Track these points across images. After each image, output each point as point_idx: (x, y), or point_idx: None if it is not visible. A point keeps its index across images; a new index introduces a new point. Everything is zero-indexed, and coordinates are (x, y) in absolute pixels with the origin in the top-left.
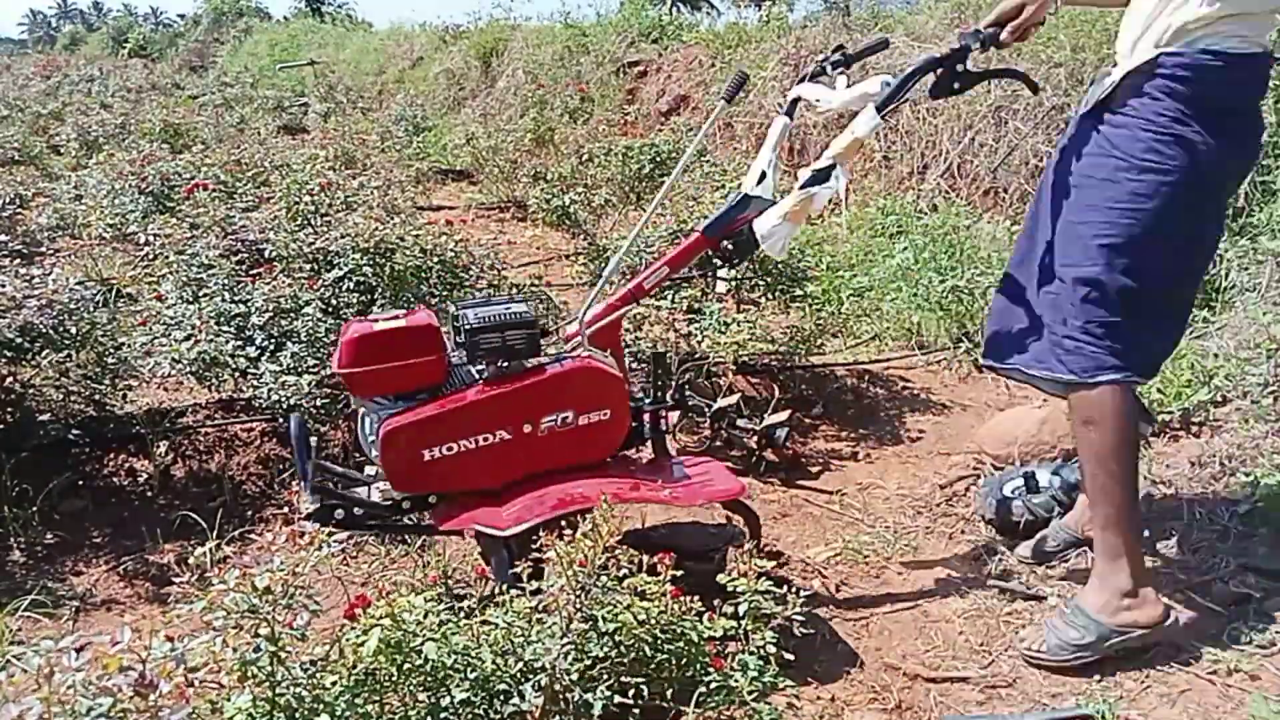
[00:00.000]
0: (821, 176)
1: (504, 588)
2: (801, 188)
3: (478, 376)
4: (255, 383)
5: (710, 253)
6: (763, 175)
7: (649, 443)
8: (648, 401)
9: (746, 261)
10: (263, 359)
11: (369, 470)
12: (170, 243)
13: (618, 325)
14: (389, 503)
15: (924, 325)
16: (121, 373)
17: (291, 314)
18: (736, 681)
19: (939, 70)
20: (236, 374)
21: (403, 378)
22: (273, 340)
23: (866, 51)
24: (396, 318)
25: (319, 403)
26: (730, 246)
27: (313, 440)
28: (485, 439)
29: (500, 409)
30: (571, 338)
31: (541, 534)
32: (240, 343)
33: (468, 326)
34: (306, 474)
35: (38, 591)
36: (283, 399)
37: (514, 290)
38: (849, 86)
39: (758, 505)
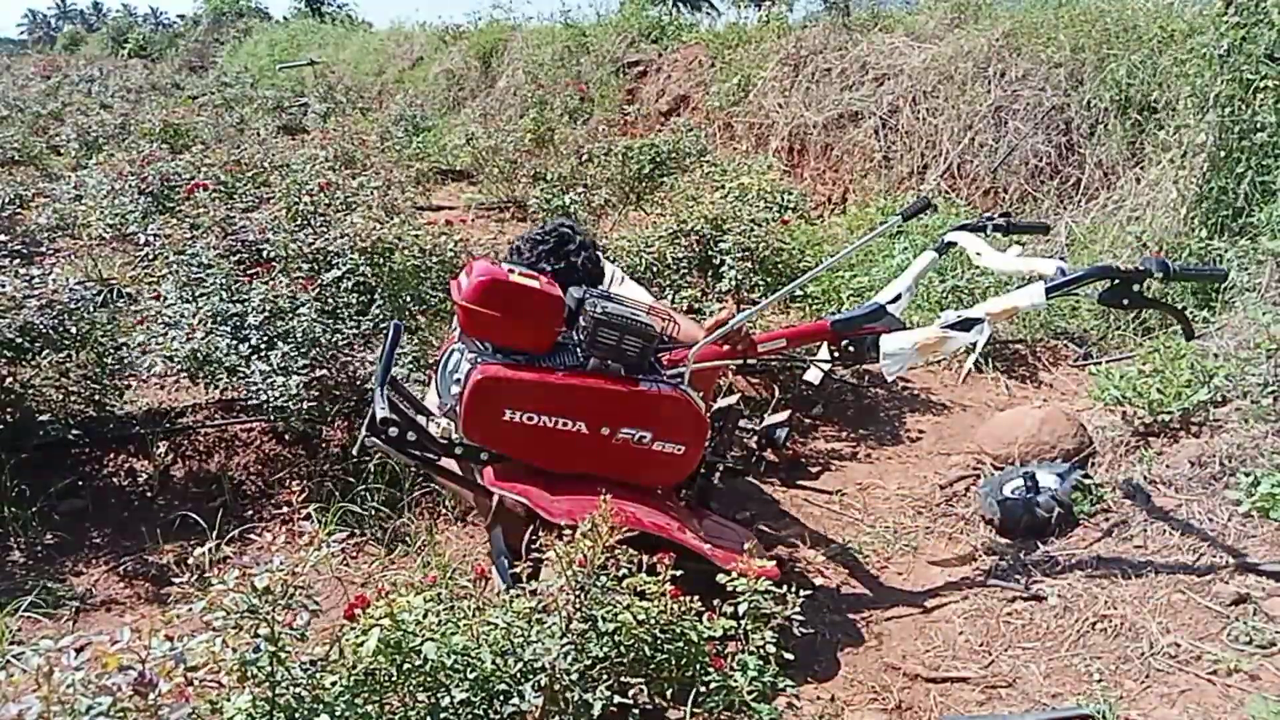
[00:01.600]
0: (965, 325)
1: (505, 574)
2: (943, 327)
3: (580, 360)
4: (245, 382)
5: (830, 346)
6: (898, 296)
7: (695, 488)
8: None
9: (852, 358)
10: (254, 358)
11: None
12: (170, 243)
13: (718, 373)
14: (444, 441)
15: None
16: (121, 373)
17: (288, 314)
18: (736, 681)
19: (1115, 280)
20: (228, 372)
21: (514, 333)
22: (266, 340)
23: (1027, 228)
24: (532, 276)
25: (305, 406)
26: (850, 348)
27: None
28: (564, 424)
29: (589, 403)
30: (673, 363)
31: (541, 534)
32: (235, 342)
33: (594, 316)
34: (384, 381)
35: (38, 591)
36: (271, 399)
37: None
38: (1008, 250)
39: (757, 506)
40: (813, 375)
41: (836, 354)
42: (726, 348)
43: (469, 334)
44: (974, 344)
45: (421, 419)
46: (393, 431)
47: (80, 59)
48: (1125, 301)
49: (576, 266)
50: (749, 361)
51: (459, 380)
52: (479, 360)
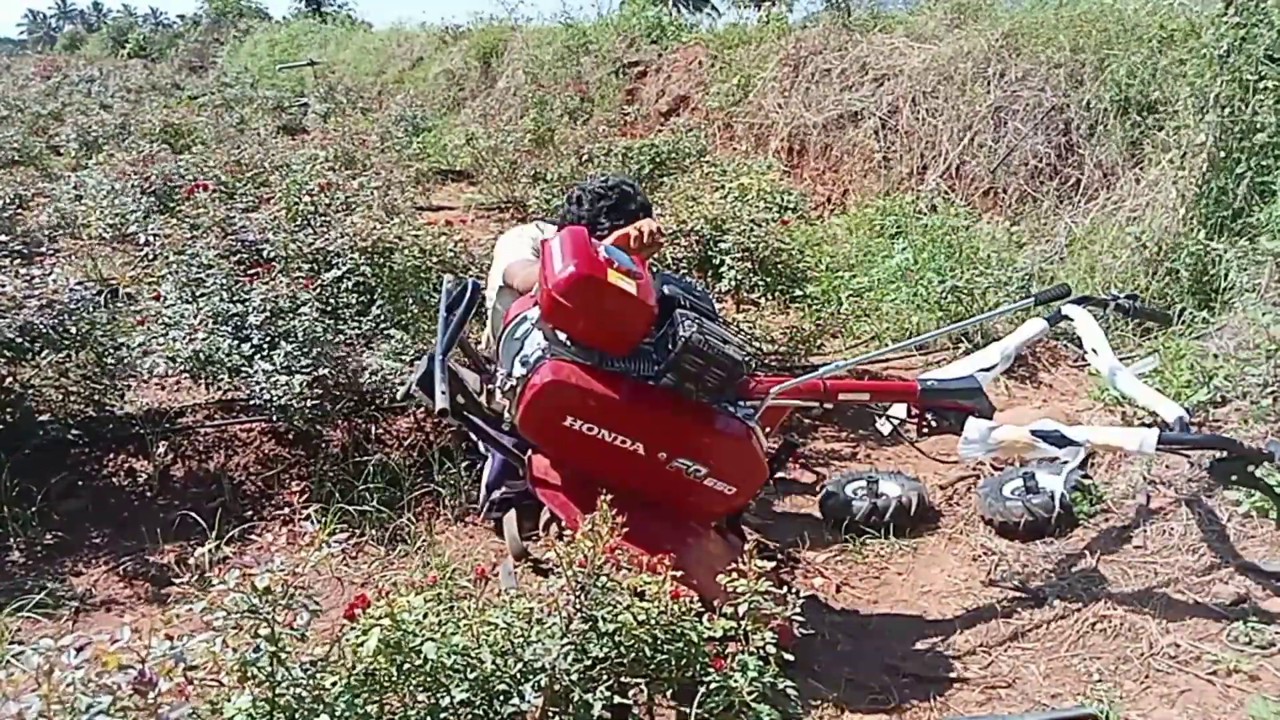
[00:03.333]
0: (1059, 440)
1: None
2: (1034, 432)
3: (655, 371)
4: (248, 382)
5: (910, 406)
6: (994, 365)
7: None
8: None
9: (930, 430)
10: (256, 358)
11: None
12: (170, 243)
13: (788, 412)
14: (494, 413)
15: (924, 325)
16: (120, 373)
17: (288, 314)
18: (736, 682)
19: (1232, 455)
20: (231, 372)
21: (597, 334)
22: (269, 340)
23: (1151, 315)
24: (629, 275)
25: (309, 404)
26: (932, 420)
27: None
28: (623, 441)
29: (653, 427)
30: (751, 393)
31: (542, 535)
32: (236, 341)
33: (685, 339)
34: (448, 350)
35: (38, 591)
36: (274, 398)
37: None
38: (1139, 376)
39: (758, 505)
40: (883, 426)
41: (915, 416)
42: (805, 385)
43: (548, 321)
44: (1063, 460)
45: (475, 378)
46: (443, 392)
47: (80, 59)
48: (1234, 478)
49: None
50: (825, 406)
51: (526, 363)
52: (551, 352)
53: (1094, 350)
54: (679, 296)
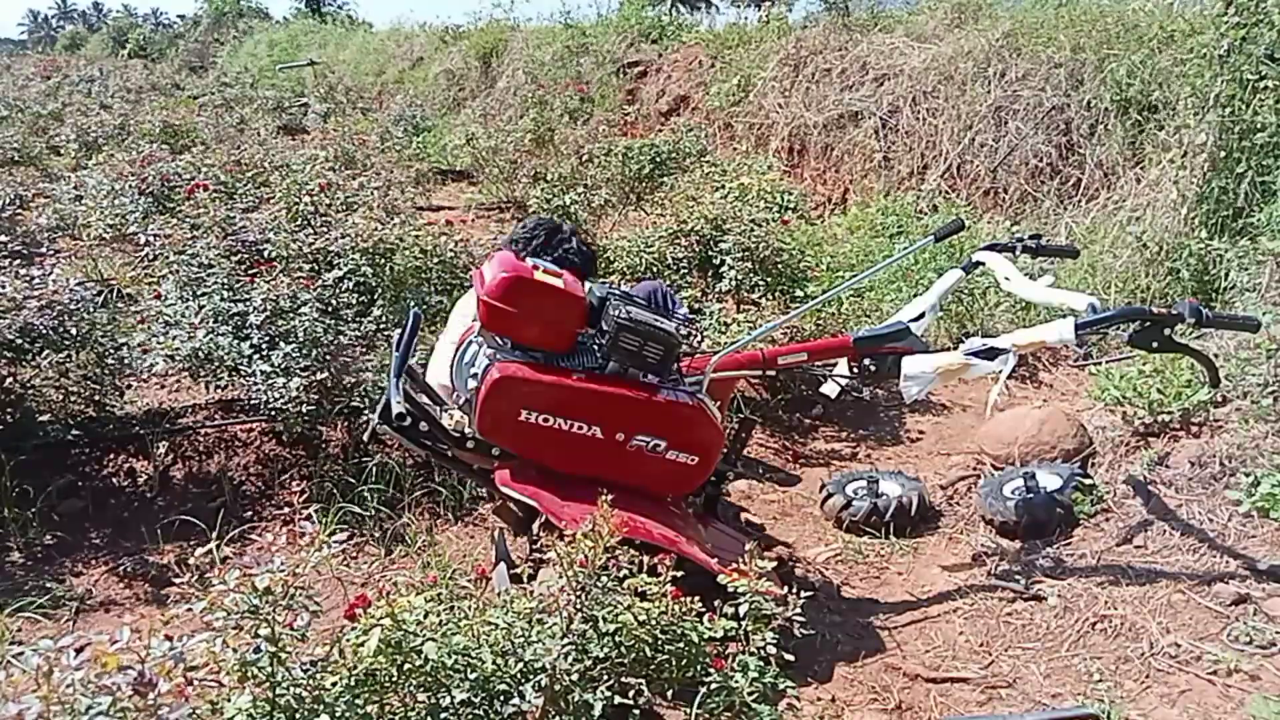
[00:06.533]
0: (990, 354)
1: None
2: (967, 353)
3: (600, 362)
4: (247, 381)
5: (850, 362)
6: (921, 315)
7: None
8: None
9: (872, 376)
10: (255, 357)
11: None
12: (170, 243)
13: (735, 383)
14: (457, 434)
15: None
16: (121, 373)
17: (289, 314)
18: (737, 682)
19: (1147, 323)
20: (230, 371)
21: (534, 332)
22: (268, 339)
23: (1057, 251)
24: (556, 274)
25: (305, 409)
26: (871, 366)
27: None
28: (580, 427)
29: (605, 408)
30: (692, 370)
31: (542, 534)
32: (236, 340)
33: (617, 319)
34: (401, 371)
35: (38, 592)
36: (270, 400)
37: None
38: (1050, 284)
39: (758, 505)
40: (830, 389)
41: (856, 370)
42: (744, 357)
43: (488, 329)
44: (998, 372)
45: (435, 408)
46: (405, 420)
47: (80, 59)
48: (1155, 344)
49: (570, 255)
50: (768, 373)
51: (476, 375)
52: (498, 357)
53: (1006, 278)
54: (610, 296)
